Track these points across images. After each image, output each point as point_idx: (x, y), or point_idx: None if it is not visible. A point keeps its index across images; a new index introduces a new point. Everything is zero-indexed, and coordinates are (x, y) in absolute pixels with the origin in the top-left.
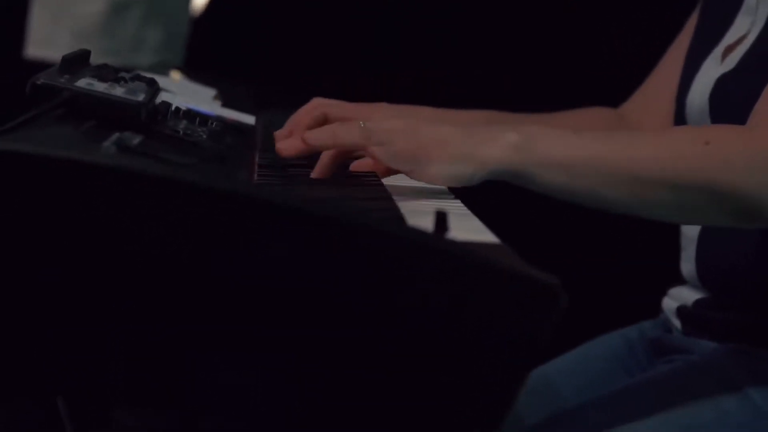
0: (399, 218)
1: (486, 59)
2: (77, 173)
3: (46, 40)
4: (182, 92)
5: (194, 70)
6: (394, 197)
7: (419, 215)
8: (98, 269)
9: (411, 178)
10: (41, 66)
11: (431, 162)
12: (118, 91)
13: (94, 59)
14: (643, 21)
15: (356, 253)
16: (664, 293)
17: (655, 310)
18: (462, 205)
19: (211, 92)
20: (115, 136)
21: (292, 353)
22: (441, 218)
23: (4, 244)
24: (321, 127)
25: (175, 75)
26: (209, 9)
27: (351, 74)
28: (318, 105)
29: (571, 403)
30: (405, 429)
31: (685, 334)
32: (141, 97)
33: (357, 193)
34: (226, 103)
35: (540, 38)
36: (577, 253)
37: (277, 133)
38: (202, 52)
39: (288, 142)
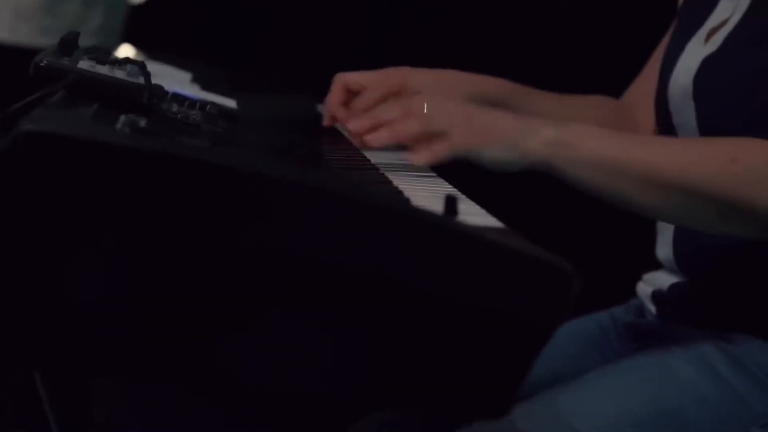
0: (406, 201)
1: (480, 51)
2: (106, 155)
3: None
4: (160, 75)
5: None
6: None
7: (417, 199)
8: (117, 248)
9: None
10: None
11: (485, 147)
12: (119, 73)
13: (35, 40)
14: (640, 13)
15: (373, 231)
16: (634, 279)
17: (625, 295)
18: (452, 187)
19: (186, 75)
20: (124, 118)
21: (295, 329)
22: (451, 202)
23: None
24: (376, 120)
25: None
26: None
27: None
28: (341, 79)
29: (544, 386)
30: (415, 409)
31: (660, 319)
32: (141, 80)
33: (357, 176)
34: (204, 87)
35: (539, 32)
36: (547, 237)
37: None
38: (139, 35)
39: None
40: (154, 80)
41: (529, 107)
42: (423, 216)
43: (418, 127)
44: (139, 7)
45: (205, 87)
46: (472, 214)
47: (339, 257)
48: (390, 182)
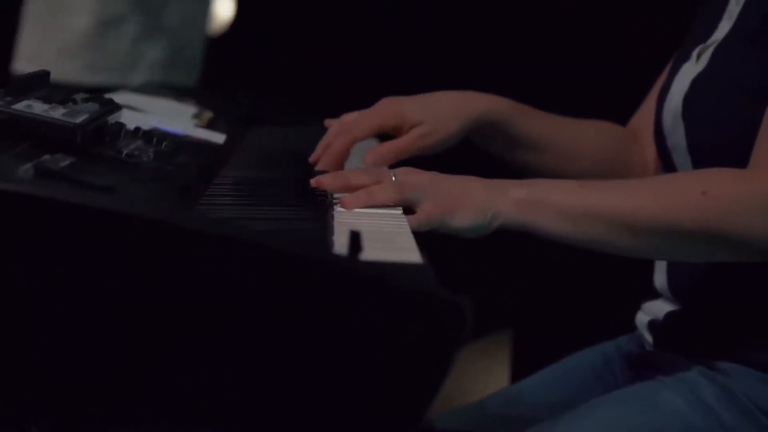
0: (320, 239)
1: (490, 64)
2: None
3: (34, 55)
4: (156, 112)
5: (204, 88)
6: (339, 213)
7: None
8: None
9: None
10: None
11: (455, 217)
12: (57, 113)
13: (82, 77)
14: (650, 26)
15: (257, 270)
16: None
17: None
18: (405, 222)
19: (191, 111)
20: (44, 158)
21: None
22: (355, 238)
23: None
24: (347, 182)
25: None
26: (228, 29)
27: (363, 90)
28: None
29: (545, 418)
30: None
31: (656, 348)
32: (79, 119)
33: (292, 214)
34: (214, 122)
35: (547, 43)
36: (558, 266)
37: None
38: (221, 71)
39: (331, 182)
40: (143, 117)
41: (530, 130)
42: (313, 254)
43: (396, 195)
44: (221, 42)
45: (216, 123)
46: (395, 249)
47: (225, 298)
48: (323, 219)
